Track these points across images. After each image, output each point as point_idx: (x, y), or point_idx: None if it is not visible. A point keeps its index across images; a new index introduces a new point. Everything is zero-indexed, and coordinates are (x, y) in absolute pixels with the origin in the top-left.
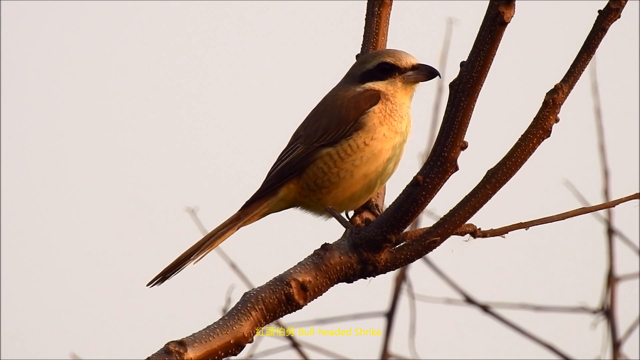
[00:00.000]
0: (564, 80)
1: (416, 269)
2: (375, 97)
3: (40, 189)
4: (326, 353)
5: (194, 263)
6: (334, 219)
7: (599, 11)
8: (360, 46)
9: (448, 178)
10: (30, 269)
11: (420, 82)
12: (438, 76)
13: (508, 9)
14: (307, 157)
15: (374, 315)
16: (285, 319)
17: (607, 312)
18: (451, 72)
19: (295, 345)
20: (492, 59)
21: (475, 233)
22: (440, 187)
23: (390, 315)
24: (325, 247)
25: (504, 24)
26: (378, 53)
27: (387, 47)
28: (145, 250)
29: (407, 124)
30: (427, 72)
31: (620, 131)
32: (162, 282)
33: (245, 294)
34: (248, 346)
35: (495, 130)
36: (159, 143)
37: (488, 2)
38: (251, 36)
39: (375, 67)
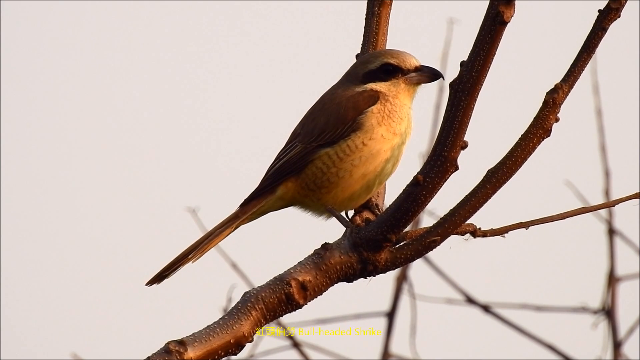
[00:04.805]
0: (564, 80)
1: (417, 268)
2: (374, 98)
3: (41, 189)
4: (326, 353)
5: (193, 262)
6: (334, 218)
7: (599, 11)
8: (360, 46)
9: (448, 178)
10: (30, 269)
11: (423, 84)
12: (441, 78)
13: (508, 8)
14: (305, 156)
15: (374, 315)
16: (286, 319)
17: (608, 312)
18: (451, 72)
19: (295, 345)
20: (492, 59)
21: (475, 233)
22: (441, 186)
23: (391, 315)
24: (325, 246)
25: (504, 23)
26: (380, 53)
27: (387, 47)
28: (146, 250)
29: (407, 126)
30: (430, 74)
31: (621, 131)
32: (161, 281)
33: (246, 293)
34: (248, 346)
35: (495, 130)
36: (160, 143)
37: (488, 2)
38: (251, 36)
39: (378, 68)
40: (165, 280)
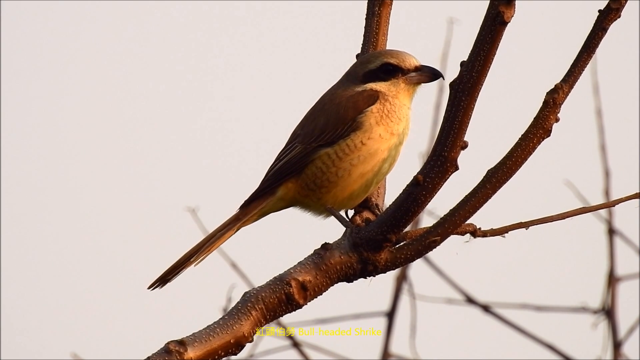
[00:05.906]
0: (564, 80)
1: (417, 268)
2: (374, 97)
3: (41, 189)
4: (326, 353)
5: (195, 265)
6: (332, 217)
7: (599, 11)
8: (361, 46)
9: (448, 178)
10: (30, 269)
11: (423, 84)
12: (441, 78)
13: (508, 8)
14: (305, 156)
15: (374, 315)
16: (286, 319)
17: (608, 312)
18: (451, 72)
19: (295, 345)
20: (492, 59)
21: (475, 233)
22: (441, 186)
23: (390, 315)
24: (325, 246)
25: (504, 23)
26: (381, 53)
27: (388, 47)
28: (146, 249)
29: (405, 126)
30: (430, 74)
31: (621, 131)
32: (163, 285)
33: (246, 293)
34: (248, 346)
35: (495, 130)
36: (160, 143)
37: (488, 2)
38: (251, 36)
39: (378, 68)
40: (167, 284)
